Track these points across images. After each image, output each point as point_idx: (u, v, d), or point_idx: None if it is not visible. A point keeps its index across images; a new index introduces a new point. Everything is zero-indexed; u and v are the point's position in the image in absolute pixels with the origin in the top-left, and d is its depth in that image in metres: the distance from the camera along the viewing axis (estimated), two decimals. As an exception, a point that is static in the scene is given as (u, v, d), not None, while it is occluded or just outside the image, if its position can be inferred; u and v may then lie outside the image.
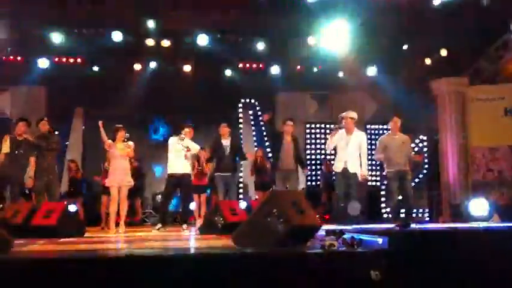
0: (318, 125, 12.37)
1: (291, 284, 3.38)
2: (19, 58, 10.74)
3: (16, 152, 7.60)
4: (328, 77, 11.75)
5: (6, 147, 7.62)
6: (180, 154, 7.99)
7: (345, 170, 7.64)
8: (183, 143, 7.97)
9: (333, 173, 8.08)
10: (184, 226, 8.06)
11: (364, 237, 4.03)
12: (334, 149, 7.99)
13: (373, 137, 12.33)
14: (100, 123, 7.74)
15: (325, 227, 5.04)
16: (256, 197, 10.69)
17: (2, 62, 10.60)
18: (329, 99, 12.76)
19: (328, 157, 11.06)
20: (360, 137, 7.78)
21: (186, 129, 8.16)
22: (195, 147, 8.17)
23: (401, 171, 7.80)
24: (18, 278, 3.16)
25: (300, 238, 4.05)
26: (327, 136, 7.98)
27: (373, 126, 12.16)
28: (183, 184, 8.16)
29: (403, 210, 8.31)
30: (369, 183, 11.95)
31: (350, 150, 7.65)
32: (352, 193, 7.59)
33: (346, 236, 3.90)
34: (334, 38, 9.68)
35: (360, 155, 7.68)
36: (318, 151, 12.27)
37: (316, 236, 4.32)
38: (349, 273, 3.48)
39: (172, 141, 8.12)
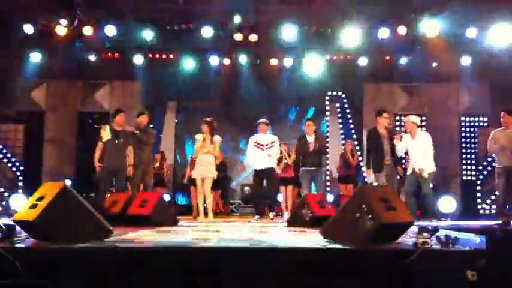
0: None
1: (381, 283, 3.30)
2: (116, 55, 11.36)
3: (116, 141, 7.69)
4: (419, 68, 11.29)
5: (106, 136, 7.72)
6: (259, 151, 8.42)
7: (414, 170, 7.85)
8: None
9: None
10: (271, 215, 8.58)
11: (460, 235, 3.85)
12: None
13: (467, 129, 11.83)
14: None
15: (418, 223, 4.87)
16: (341, 191, 10.81)
17: (102, 59, 11.25)
18: (420, 91, 12.24)
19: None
20: (423, 138, 7.91)
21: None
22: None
23: (510, 166, 7.54)
24: (114, 265, 3.32)
25: (391, 235, 3.94)
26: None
27: (467, 119, 11.81)
28: (267, 177, 8.50)
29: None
30: (465, 177, 11.47)
31: (417, 152, 7.81)
32: (425, 190, 7.78)
33: (441, 233, 3.73)
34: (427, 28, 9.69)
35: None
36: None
37: (408, 232, 4.18)
38: (443, 273, 3.33)
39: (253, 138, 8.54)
